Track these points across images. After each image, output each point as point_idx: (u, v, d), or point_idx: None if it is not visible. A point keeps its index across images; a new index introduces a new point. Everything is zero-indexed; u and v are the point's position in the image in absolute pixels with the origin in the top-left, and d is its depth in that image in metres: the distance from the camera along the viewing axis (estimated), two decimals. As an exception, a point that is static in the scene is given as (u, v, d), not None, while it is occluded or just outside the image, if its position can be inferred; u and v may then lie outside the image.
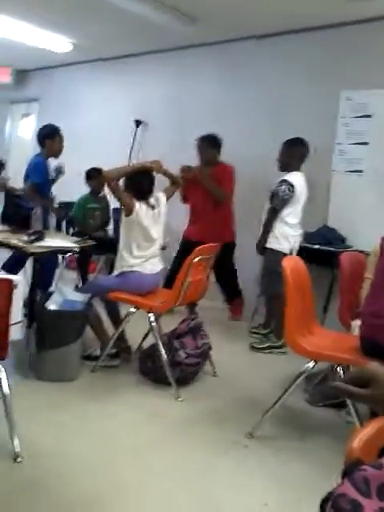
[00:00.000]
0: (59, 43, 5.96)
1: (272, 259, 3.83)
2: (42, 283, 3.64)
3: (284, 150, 3.95)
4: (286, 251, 3.79)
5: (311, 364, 2.50)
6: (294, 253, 3.84)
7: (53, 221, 5.06)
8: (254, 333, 4.18)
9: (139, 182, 3.23)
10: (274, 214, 3.84)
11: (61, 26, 5.36)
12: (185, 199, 4.51)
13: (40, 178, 4.35)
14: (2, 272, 3.68)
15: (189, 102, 5.63)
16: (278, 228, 3.85)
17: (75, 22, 5.18)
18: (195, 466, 2.32)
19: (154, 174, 3.32)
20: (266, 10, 4.23)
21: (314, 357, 2.49)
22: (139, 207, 3.15)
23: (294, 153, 3.91)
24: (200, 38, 5.20)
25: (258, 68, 4.99)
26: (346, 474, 0.86)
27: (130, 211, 3.13)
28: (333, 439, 2.59)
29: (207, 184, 4.29)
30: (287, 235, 3.86)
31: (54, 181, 4.68)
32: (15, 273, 3.87)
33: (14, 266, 4.16)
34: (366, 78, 4.19)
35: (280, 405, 2.59)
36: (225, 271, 4.51)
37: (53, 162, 4.67)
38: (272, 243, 3.88)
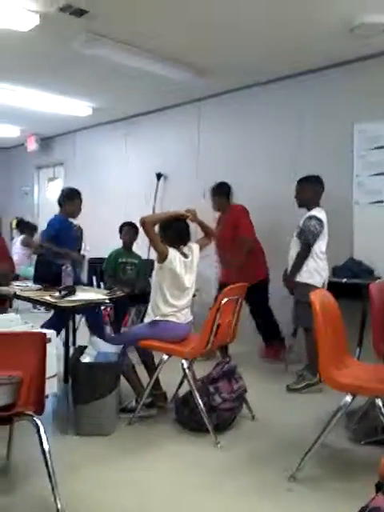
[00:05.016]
0: (79, 108, 6.31)
1: (305, 293, 3.82)
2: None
3: (302, 188, 4.01)
4: (318, 285, 3.78)
5: (349, 398, 2.44)
6: (325, 286, 3.85)
7: (83, 278, 5.17)
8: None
9: (174, 229, 3.28)
10: (308, 249, 3.85)
11: (80, 92, 5.70)
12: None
13: (54, 231, 4.56)
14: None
15: (205, 151, 5.82)
16: (310, 263, 3.87)
17: (93, 87, 5.50)
18: (239, 513, 2.26)
19: (189, 223, 3.39)
20: (272, 57, 4.42)
21: (350, 390, 2.44)
22: (173, 254, 3.20)
23: (312, 190, 3.97)
24: (213, 88, 5.42)
25: (270, 112, 5.14)
26: (380, 488, 0.86)
27: (163, 258, 3.16)
28: (380, 477, 2.49)
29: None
30: (319, 269, 3.87)
31: (80, 239, 4.83)
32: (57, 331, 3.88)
33: (53, 325, 4.17)
34: (377, 110, 4.28)
35: (321, 444, 2.53)
36: (258, 310, 4.58)
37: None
38: (304, 278, 3.87)
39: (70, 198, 4.70)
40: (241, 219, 4.53)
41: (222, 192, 4.65)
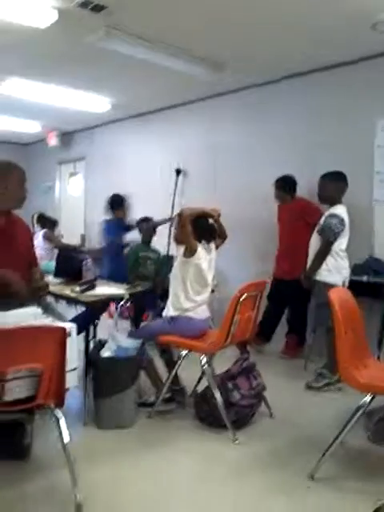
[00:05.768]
0: (99, 104, 6.33)
1: (325, 292, 3.78)
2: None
3: (325, 185, 3.97)
4: (339, 284, 3.73)
5: (368, 398, 2.42)
6: (346, 284, 3.80)
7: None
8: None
9: (204, 226, 3.30)
10: (328, 247, 3.81)
11: (100, 87, 5.71)
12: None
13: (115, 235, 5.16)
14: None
15: (223, 147, 5.79)
16: (330, 261, 3.83)
17: (112, 82, 5.50)
18: (257, 510, 2.26)
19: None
20: (291, 52, 4.38)
21: (370, 390, 2.41)
22: (200, 249, 3.21)
23: (334, 186, 3.93)
24: (230, 84, 5.40)
25: (289, 107, 5.11)
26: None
27: (192, 252, 3.17)
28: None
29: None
30: (339, 267, 3.83)
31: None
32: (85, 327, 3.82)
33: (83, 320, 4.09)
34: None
35: (341, 443, 2.52)
36: (298, 304, 4.64)
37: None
38: (324, 276, 3.83)
39: (120, 204, 5.31)
40: (307, 209, 4.57)
41: (279, 185, 4.75)
